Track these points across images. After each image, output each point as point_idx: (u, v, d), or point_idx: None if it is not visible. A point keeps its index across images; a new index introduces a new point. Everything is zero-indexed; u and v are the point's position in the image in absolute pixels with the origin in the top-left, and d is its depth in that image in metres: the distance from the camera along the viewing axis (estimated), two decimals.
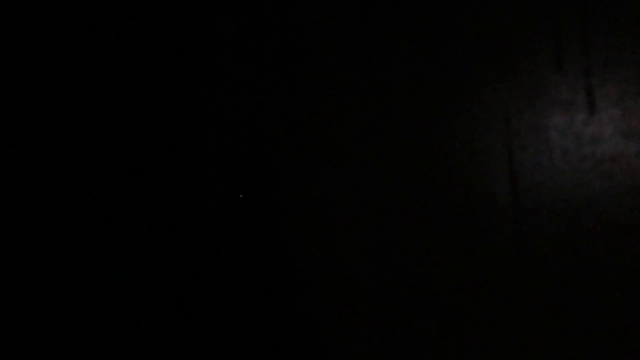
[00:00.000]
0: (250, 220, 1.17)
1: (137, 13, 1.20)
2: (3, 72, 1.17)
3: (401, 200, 1.11)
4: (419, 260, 1.11)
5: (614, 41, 1.00)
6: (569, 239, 1.04)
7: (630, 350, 1.01)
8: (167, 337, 1.18)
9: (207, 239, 1.19)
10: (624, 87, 1.00)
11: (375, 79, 1.12)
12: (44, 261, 1.17)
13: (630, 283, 1.01)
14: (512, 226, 1.07)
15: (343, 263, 1.15)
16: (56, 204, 1.18)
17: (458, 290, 1.09)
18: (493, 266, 1.07)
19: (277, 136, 1.17)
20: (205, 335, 1.18)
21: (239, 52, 1.18)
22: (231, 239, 1.18)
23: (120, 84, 1.21)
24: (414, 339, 1.11)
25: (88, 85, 1.20)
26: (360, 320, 1.14)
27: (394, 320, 1.12)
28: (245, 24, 1.18)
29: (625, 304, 1.02)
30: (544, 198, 1.05)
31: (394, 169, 1.11)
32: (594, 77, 1.02)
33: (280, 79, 1.17)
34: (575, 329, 1.04)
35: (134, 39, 1.21)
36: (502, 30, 1.06)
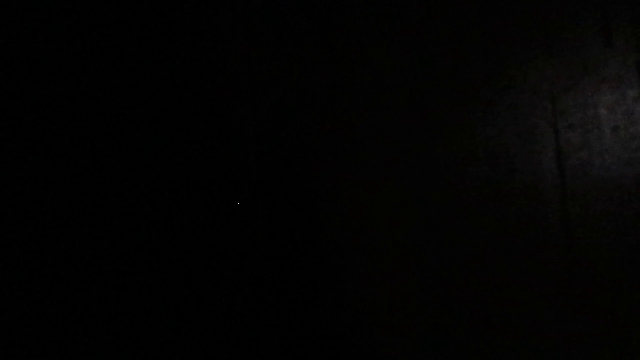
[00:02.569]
0: (289, 206, 1.19)
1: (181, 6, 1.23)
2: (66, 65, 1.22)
3: (442, 180, 1.10)
4: (461, 243, 1.09)
5: None
6: (618, 220, 1.01)
7: None
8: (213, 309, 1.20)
9: (248, 224, 1.21)
10: None
11: (416, 54, 1.12)
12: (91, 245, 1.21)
13: None
14: (558, 207, 1.04)
15: (382, 245, 1.14)
16: (112, 192, 1.22)
17: (502, 273, 1.07)
18: (538, 248, 1.05)
19: (315, 120, 1.18)
20: (248, 314, 1.20)
21: (276, 34, 1.20)
22: (271, 221, 1.20)
23: (166, 81, 1.24)
24: (456, 321, 1.10)
25: (138, 80, 1.24)
26: (399, 305, 1.13)
27: (435, 304, 1.11)
28: (282, 7, 1.20)
29: None
30: (592, 178, 1.03)
31: (435, 149, 1.11)
32: None
33: (318, 62, 1.18)
34: (624, 312, 1.01)
35: (173, 34, 1.24)
36: (548, 6, 1.04)
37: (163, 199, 1.23)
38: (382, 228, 1.14)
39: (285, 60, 1.20)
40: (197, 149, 1.23)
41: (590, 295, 1.02)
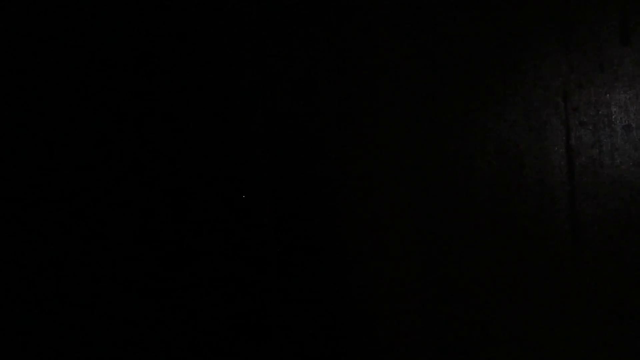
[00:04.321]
0: (296, 199, 1.17)
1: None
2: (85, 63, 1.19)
3: (451, 174, 1.09)
4: (468, 237, 1.09)
5: None
6: (626, 220, 1.01)
7: None
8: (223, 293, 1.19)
9: (256, 214, 1.19)
10: None
11: (428, 47, 1.10)
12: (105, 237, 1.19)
13: None
14: (566, 204, 1.04)
15: (389, 238, 1.13)
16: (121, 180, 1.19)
17: (509, 269, 1.07)
18: (545, 244, 1.05)
19: (325, 113, 1.16)
20: (258, 301, 1.19)
21: (288, 30, 1.18)
22: (278, 212, 1.18)
23: (173, 70, 1.21)
24: (462, 316, 1.10)
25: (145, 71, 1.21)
26: (405, 300, 1.13)
27: (441, 299, 1.11)
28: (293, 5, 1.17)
29: None
30: (602, 176, 1.02)
31: (445, 142, 1.09)
32: None
33: (329, 55, 1.15)
34: (630, 310, 1.01)
35: (182, 24, 1.21)
36: (565, 1, 1.02)
37: (168, 190, 1.21)
38: (389, 221, 1.13)
39: (297, 53, 1.18)
40: (205, 142, 1.21)
41: (596, 293, 1.03)
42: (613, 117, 1.01)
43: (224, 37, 1.20)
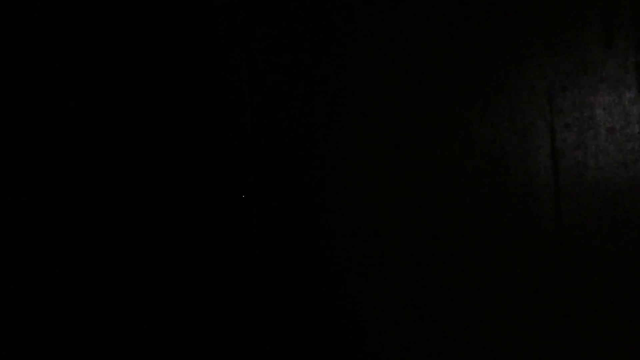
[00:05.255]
0: (284, 199, 1.19)
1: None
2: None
3: (437, 176, 1.11)
4: (454, 239, 1.10)
5: None
6: (611, 221, 1.02)
7: None
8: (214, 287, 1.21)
9: (243, 215, 1.21)
10: None
11: (415, 49, 1.11)
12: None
13: None
14: (551, 205, 1.05)
15: (376, 239, 1.15)
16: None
17: (494, 269, 1.08)
18: (530, 246, 1.06)
19: (313, 114, 1.17)
20: (250, 290, 1.21)
21: (276, 27, 1.19)
22: (265, 212, 1.20)
23: (162, 73, 1.23)
24: (448, 316, 1.11)
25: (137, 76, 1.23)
26: (392, 300, 1.14)
27: (428, 299, 1.12)
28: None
29: None
30: (586, 178, 1.03)
31: (431, 145, 1.11)
32: None
33: (316, 56, 1.17)
34: (615, 311, 1.02)
35: (172, 30, 1.23)
36: (549, 4, 1.03)
37: (155, 191, 1.23)
38: (377, 221, 1.14)
39: (286, 54, 1.19)
40: (194, 143, 1.22)
41: (580, 292, 1.04)
42: (597, 119, 1.02)
43: (212, 41, 1.21)
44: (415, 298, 1.13)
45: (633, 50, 0.99)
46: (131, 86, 1.23)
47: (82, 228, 1.21)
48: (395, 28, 1.12)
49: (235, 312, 1.21)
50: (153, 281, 1.22)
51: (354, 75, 1.15)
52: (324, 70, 1.16)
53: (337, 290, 1.17)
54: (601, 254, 1.03)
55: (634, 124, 0.99)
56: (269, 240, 1.20)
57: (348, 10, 1.15)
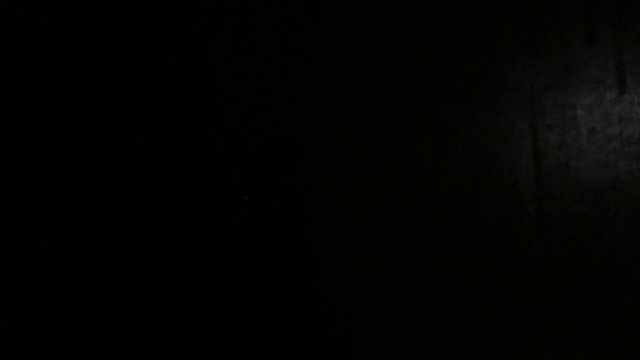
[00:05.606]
0: (270, 201, 1.23)
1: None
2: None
3: (421, 176, 1.13)
4: (438, 236, 1.12)
5: None
6: (592, 221, 1.02)
7: None
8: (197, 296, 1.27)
9: (232, 216, 1.26)
10: None
11: (398, 51, 1.14)
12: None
13: None
14: (534, 205, 1.06)
15: (361, 238, 1.18)
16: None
17: (477, 268, 1.10)
18: (513, 244, 1.07)
19: (298, 117, 1.21)
20: (239, 295, 1.26)
21: (259, 33, 1.23)
22: (255, 210, 1.25)
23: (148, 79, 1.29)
24: (431, 313, 1.13)
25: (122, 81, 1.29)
26: (377, 297, 1.17)
27: (411, 297, 1.15)
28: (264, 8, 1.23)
29: None
30: (568, 178, 1.03)
31: (415, 145, 1.13)
32: (626, 54, 0.98)
33: (302, 58, 1.21)
34: (596, 310, 1.02)
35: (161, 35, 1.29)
36: (532, 5, 1.04)
37: (137, 191, 1.29)
38: (362, 218, 1.18)
39: (272, 58, 1.24)
40: (180, 144, 1.28)
41: (563, 292, 1.04)
42: (579, 119, 1.02)
43: (195, 45, 1.27)
44: (400, 295, 1.16)
45: (614, 52, 0.99)
46: (114, 89, 1.29)
47: (63, 228, 1.28)
48: (380, 30, 1.15)
49: (223, 310, 1.26)
50: (138, 278, 1.28)
51: (339, 77, 1.18)
52: (307, 72, 1.21)
53: (324, 286, 1.21)
54: (583, 254, 1.03)
55: (614, 124, 0.99)
56: (255, 240, 1.25)
57: (333, 10, 1.18)
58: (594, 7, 1.00)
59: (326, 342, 1.21)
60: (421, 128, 1.13)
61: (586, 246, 1.03)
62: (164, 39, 1.29)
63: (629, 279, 1.00)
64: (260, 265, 1.25)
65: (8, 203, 1.25)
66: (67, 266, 1.27)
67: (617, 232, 1.00)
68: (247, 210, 1.26)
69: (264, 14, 1.25)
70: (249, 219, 1.26)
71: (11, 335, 1.22)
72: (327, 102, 1.20)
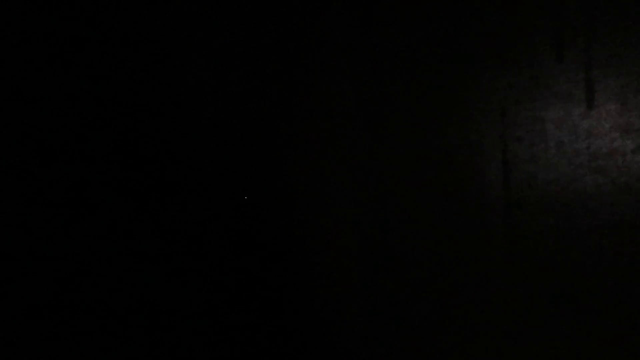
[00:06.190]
0: (251, 198, 1.21)
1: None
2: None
3: (392, 184, 1.12)
4: (409, 247, 1.11)
5: (617, 35, 0.98)
6: (559, 234, 1.03)
7: (625, 346, 0.99)
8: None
9: (208, 216, 1.23)
10: (625, 82, 0.98)
11: (373, 66, 1.13)
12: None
13: (622, 281, 0.99)
14: (502, 216, 1.06)
15: (337, 238, 1.16)
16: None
17: (445, 279, 1.09)
18: (482, 254, 1.07)
19: (272, 119, 1.19)
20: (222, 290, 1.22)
21: (238, 40, 1.22)
22: (230, 210, 1.22)
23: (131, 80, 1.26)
24: (400, 313, 1.12)
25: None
26: (350, 294, 1.15)
27: (382, 294, 1.13)
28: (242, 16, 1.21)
29: (614, 302, 1.00)
30: (537, 191, 1.04)
31: (386, 154, 1.12)
32: (595, 70, 0.99)
33: (277, 62, 1.19)
34: (561, 322, 1.03)
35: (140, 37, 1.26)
36: (503, 20, 1.05)
37: (119, 192, 1.25)
38: (334, 225, 1.16)
39: (245, 57, 1.22)
40: (152, 147, 1.25)
41: (529, 304, 1.04)
42: (547, 133, 1.03)
43: (187, 46, 1.24)
44: (373, 292, 1.14)
45: (583, 67, 1.00)
46: (93, 86, 1.25)
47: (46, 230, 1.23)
48: (355, 40, 1.14)
49: (201, 307, 1.23)
50: (120, 277, 1.24)
51: (314, 86, 1.17)
52: (287, 76, 1.19)
53: (297, 280, 1.19)
54: (550, 265, 1.03)
55: (582, 138, 1.01)
56: (234, 238, 1.22)
57: (307, 12, 1.17)
58: (564, 24, 1.01)
59: (300, 335, 1.19)
60: (394, 138, 1.12)
61: (553, 258, 1.03)
62: (151, 39, 1.25)
63: (595, 289, 1.01)
64: (233, 261, 1.22)
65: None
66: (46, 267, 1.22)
67: (584, 244, 1.01)
68: (221, 208, 1.23)
69: (240, 11, 1.23)
70: (222, 216, 1.23)
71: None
72: (304, 109, 1.18)
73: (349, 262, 1.16)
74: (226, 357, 1.20)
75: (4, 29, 1.22)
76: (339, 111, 1.16)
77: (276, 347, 1.20)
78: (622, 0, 0.98)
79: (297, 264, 1.19)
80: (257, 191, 1.21)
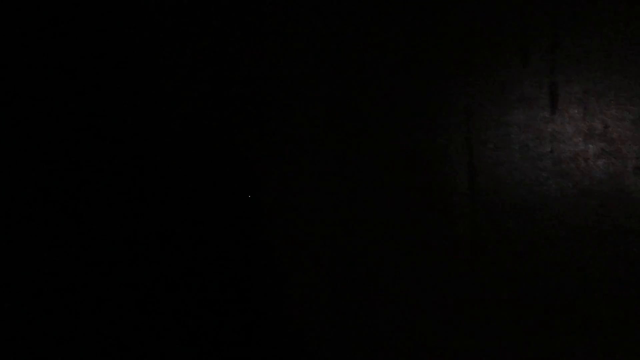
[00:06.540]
0: (219, 197, 1.19)
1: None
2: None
3: (360, 187, 1.11)
4: (376, 250, 1.11)
5: (581, 40, 0.99)
6: (524, 236, 1.03)
7: (585, 346, 1.01)
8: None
9: (177, 218, 1.21)
10: (588, 87, 0.99)
11: (337, 69, 1.12)
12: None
13: (584, 284, 1.00)
14: (468, 219, 1.06)
15: (307, 238, 1.15)
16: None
17: (412, 282, 1.09)
18: (448, 256, 1.07)
19: (244, 118, 1.17)
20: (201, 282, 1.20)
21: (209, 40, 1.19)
22: (199, 211, 1.20)
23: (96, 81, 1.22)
24: (369, 312, 1.12)
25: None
26: (319, 291, 1.15)
27: (352, 297, 1.13)
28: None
29: (578, 304, 1.01)
30: (502, 194, 1.04)
31: (355, 158, 1.11)
32: (559, 75, 1.00)
33: (247, 63, 1.17)
34: (526, 325, 1.04)
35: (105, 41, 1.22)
36: (468, 24, 1.04)
37: (82, 191, 1.22)
38: (301, 228, 1.15)
39: (212, 56, 1.19)
40: (123, 148, 1.22)
41: (493, 304, 1.05)
42: (512, 137, 1.03)
43: (136, 48, 1.21)
44: (341, 301, 1.13)
45: (548, 71, 1.00)
46: (58, 87, 1.22)
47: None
48: (324, 40, 1.13)
49: (164, 308, 1.20)
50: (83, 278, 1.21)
51: (286, 87, 1.15)
52: (251, 73, 1.17)
53: (267, 287, 1.17)
54: (515, 269, 1.04)
55: (546, 142, 1.01)
56: (198, 239, 1.20)
57: (276, 13, 1.15)
58: (529, 28, 1.01)
59: (267, 340, 1.17)
60: (360, 140, 1.11)
61: (517, 262, 1.04)
62: (109, 37, 1.22)
63: (559, 293, 1.02)
64: (200, 264, 1.20)
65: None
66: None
67: (548, 248, 1.02)
68: (185, 208, 1.20)
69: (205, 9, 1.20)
70: (187, 216, 1.20)
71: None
72: (275, 111, 1.16)
73: (317, 267, 1.15)
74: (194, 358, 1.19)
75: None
76: (304, 115, 1.14)
77: (241, 354, 1.19)
78: (586, 7, 0.98)
79: (263, 269, 1.17)
80: (222, 194, 1.19)
